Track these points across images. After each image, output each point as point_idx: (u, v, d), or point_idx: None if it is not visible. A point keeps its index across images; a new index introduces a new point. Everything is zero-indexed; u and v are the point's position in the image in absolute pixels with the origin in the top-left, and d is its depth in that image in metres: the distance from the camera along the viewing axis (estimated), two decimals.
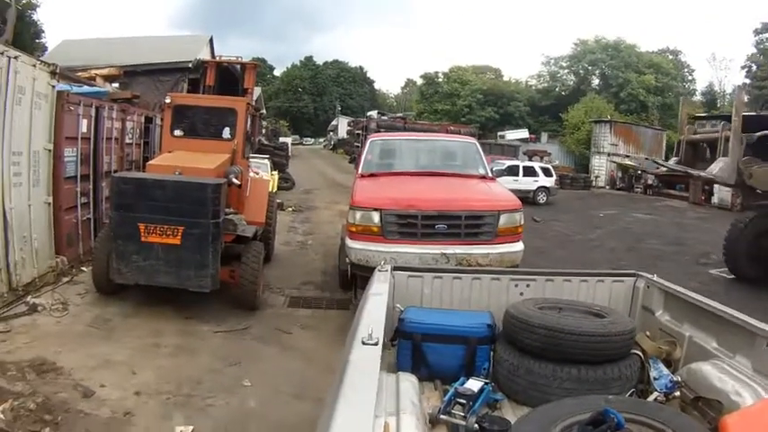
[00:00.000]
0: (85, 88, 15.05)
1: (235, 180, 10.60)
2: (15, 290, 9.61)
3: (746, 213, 16.42)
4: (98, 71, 21.58)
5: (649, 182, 45.89)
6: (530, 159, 47.18)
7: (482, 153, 12.09)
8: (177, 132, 11.54)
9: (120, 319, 9.45)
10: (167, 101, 11.73)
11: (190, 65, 27.08)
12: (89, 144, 12.50)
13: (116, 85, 21.97)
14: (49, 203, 10.86)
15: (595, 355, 4.31)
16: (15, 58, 9.33)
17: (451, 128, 46.82)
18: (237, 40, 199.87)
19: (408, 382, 3.73)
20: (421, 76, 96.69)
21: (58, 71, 10.93)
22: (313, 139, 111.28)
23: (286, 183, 32.65)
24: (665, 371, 4.53)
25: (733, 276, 15.29)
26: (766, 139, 14.34)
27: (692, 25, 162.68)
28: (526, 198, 27.25)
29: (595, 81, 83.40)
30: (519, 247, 9.51)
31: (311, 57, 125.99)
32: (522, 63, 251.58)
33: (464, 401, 3.95)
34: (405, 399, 3.39)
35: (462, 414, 3.83)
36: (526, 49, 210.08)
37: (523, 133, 69.47)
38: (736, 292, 13.30)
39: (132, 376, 7.43)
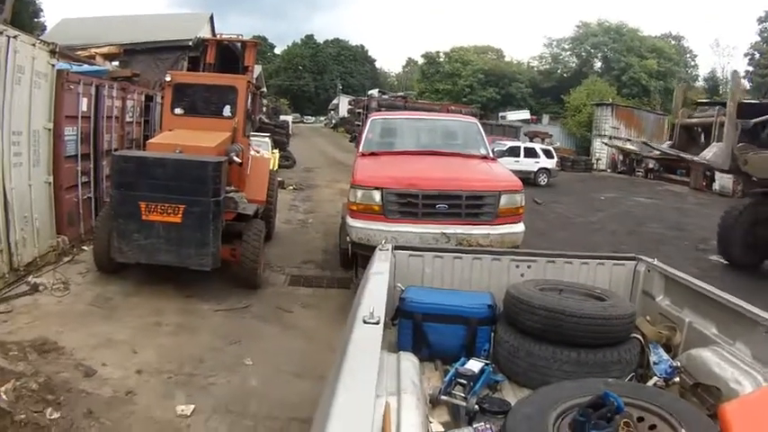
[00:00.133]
0: (85, 67, 14.99)
1: (235, 158, 10.56)
2: (17, 270, 9.59)
3: (742, 200, 16.38)
4: (98, 50, 21.50)
5: (650, 166, 45.74)
6: (531, 141, 47.09)
7: (483, 133, 12.04)
8: (178, 111, 11.49)
9: (122, 298, 9.46)
10: (167, 79, 11.68)
11: (190, 43, 27.01)
12: (89, 123, 12.45)
13: (116, 63, 21.94)
14: (50, 183, 10.82)
15: (596, 338, 4.31)
16: (15, 37, 9.25)
17: (452, 108, 46.82)
18: (238, 17, 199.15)
19: (409, 361, 3.72)
20: (422, 56, 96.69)
21: (57, 50, 10.85)
22: (314, 118, 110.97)
23: (287, 161, 32.57)
24: (665, 356, 4.54)
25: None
26: (762, 126, 14.25)
27: (696, 11, 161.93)
28: (527, 179, 27.24)
29: (597, 64, 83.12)
30: (520, 228, 9.48)
31: (312, 35, 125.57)
32: (524, 44, 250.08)
33: (465, 382, 3.98)
34: (406, 379, 3.37)
35: (463, 395, 3.85)
36: (528, 31, 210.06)
37: (525, 114, 69.31)
38: (735, 279, 13.25)
39: (133, 355, 7.45)
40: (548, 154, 35.93)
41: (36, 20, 46.75)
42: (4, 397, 5.77)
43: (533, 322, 4.41)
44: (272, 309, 9.71)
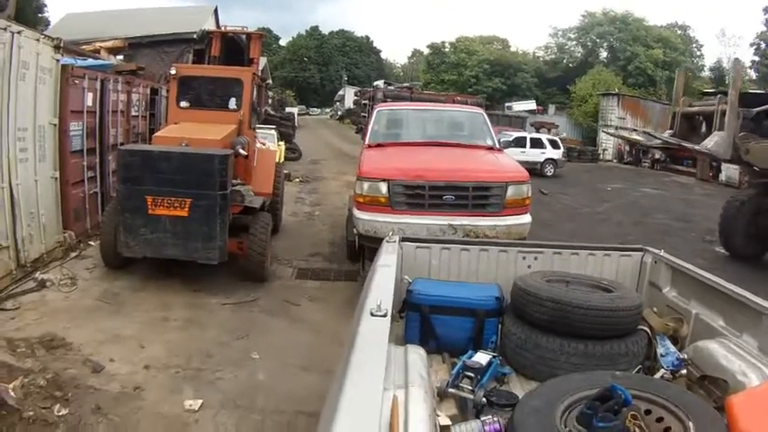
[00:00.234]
0: (90, 61, 14.97)
1: (242, 151, 10.52)
2: (24, 266, 9.60)
3: (745, 191, 16.26)
4: (102, 44, 21.46)
5: (657, 156, 45.58)
6: (537, 131, 46.93)
7: (489, 124, 12.01)
8: (183, 104, 11.49)
9: (129, 293, 9.47)
10: (172, 72, 11.63)
11: (195, 36, 26.91)
12: (95, 117, 12.43)
13: (120, 57, 21.88)
14: (56, 178, 10.84)
15: (603, 330, 4.31)
16: (19, 33, 9.24)
17: (458, 98, 46.73)
18: (242, 10, 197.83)
19: (417, 354, 3.70)
20: (428, 46, 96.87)
21: (61, 45, 10.84)
22: (319, 110, 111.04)
23: (293, 153, 32.53)
24: (672, 348, 4.52)
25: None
26: (765, 114, 14.12)
27: (702, 1, 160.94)
28: (534, 170, 27.15)
29: (603, 54, 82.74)
30: (526, 219, 9.47)
31: (317, 26, 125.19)
32: (530, 34, 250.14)
33: (472, 375, 3.96)
34: (413, 371, 3.34)
35: (470, 388, 3.84)
36: (533, 20, 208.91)
37: (531, 105, 69.13)
38: (740, 270, 13.18)
39: (141, 350, 7.45)
40: (554, 145, 35.83)
41: (40, 15, 46.79)
42: (12, 394, 5.77)
43: (540, 314, 4.40)
44: (279, 302, 9.71)
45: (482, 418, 3.39)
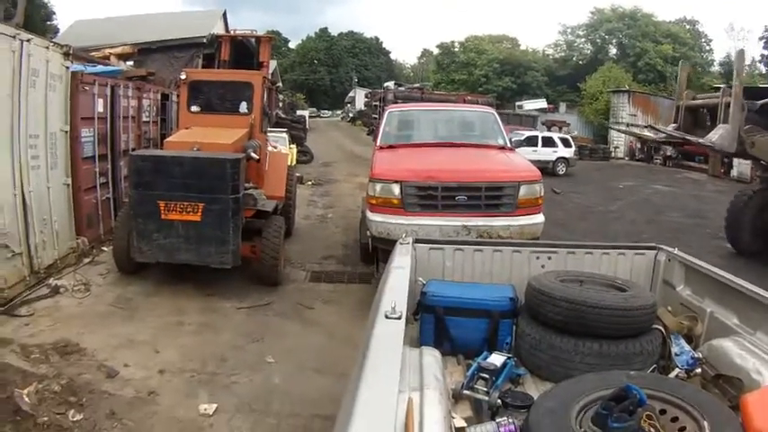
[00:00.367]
0: (100, 68, 15.02)
1: (253, 154, 10.53)
2: (37, 272, 9.62)
3: (751, 185, 16.09)
4: (112, 50, 21.54)
5: (668, 153, 45.55)
6: (548, 130, 46.87)
7: (500, 123, 11.98)
8: (194, 108, 11.48)
9: (143, 298, 9.49)
10: (183, 77, 11.67)
11: (204, 40, 27.06)
12: (106, 123, 12.47)
13: (130, 63, 21.98)
14: (68, 185, 10.86)
15: (617, 330, 4.30)
16: (28, 40, 9.27)
17: (469, 98, 46.83)
18: (251, 13, 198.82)
19: (431, 356, 3.70)
20: (437, 46, 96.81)
21: (71, 52, 10.87)
22: (330, 112, 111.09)
23: (304, 156, 32.53)
24: (687, 347, 4.51)
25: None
26: None
27: None
28: (545, 169, 27.05)
29: (612, 50, 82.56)
30: (539, 218, 9.42)
31: (326, 28, 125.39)
32: (539, 32, 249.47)
33: (487, 376, 3.95)
34: (428, 374, 3.36)
35: (485, 389, 3.83)
36: (542, 18, 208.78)
37: (541, 103, 68.90)
38: (755, 267, 13.08)
39: (156, 355, 7.47)
40: (565, 143, 35.73)
41: (49, 22, 47.04)
42: (26, 399, 5.79)
43: (555, 314, 4.39)
44: (293, 305, 9.71)
45: (497, 420, 3.37)
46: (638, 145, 50.97)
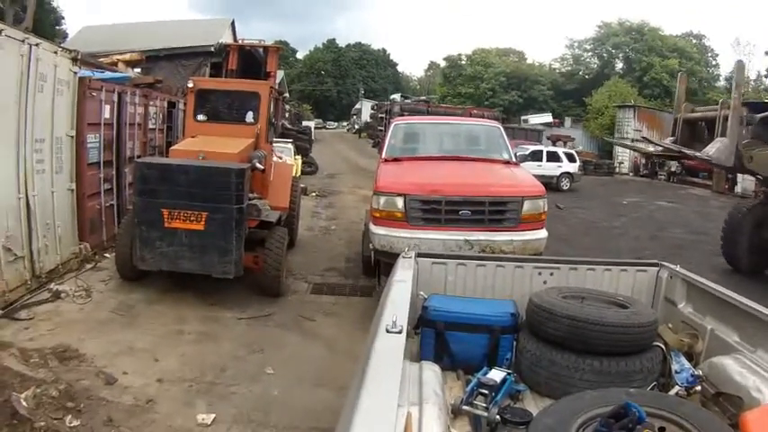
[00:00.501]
0: (107, 74, 15.09)
1: (258, 165, 10.53)
2: (39, 277, 9.64)
3: (747, 200, 15.99)
4: (120, 56, 21.64)
5: (673, 169, 45.62)
6: (553, 144, 46.85)
7: (506, 137, 11.96)
8: (200, 117, 11.49)
9: (144, 306, 9.47)
10: (190, 85, 11.69)
11: (212, 48, 27.13)
12: (112, 130, 12.51)
13: (138, 70, 22.10)
14: (73, 190, 10.89)
15: (618, 347, 4.30)
16: (37, 45, 9.31)
17: (475, 111, 46.90)
18: (259, 22, 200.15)
19: (431, 371, 3.71)
20: (444, 59, 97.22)
21: (79, 57, 10.92)
22: (336, 123, 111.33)
23: (309, 167, 32.60)
24: (687, 364, 4.50)
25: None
26: None
27: (716, 9, 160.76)
28: (550, 184, 27.02)
29: (619, 65, 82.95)
30: (543, 234, 9.40)
31: (334, 39, 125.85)
32: (546, 46, 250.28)
33: (486, 392, 3.95)
34: (427, 388, 3.37)
35: (484, 405, 3.83)
36: (549, 32, 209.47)
37: (547, 117, 69.09)
38: (758, 286, 13.02)
39: (155, 363, 7.45)
40: (570, 158, 35.73)
41: (57, 27, 47.32)
42: (24, 404, 5.78)
43: (556, 331, 4.39)
44: (294, 317, 9.69)
45: None
46: (643, 160, 51.02)
